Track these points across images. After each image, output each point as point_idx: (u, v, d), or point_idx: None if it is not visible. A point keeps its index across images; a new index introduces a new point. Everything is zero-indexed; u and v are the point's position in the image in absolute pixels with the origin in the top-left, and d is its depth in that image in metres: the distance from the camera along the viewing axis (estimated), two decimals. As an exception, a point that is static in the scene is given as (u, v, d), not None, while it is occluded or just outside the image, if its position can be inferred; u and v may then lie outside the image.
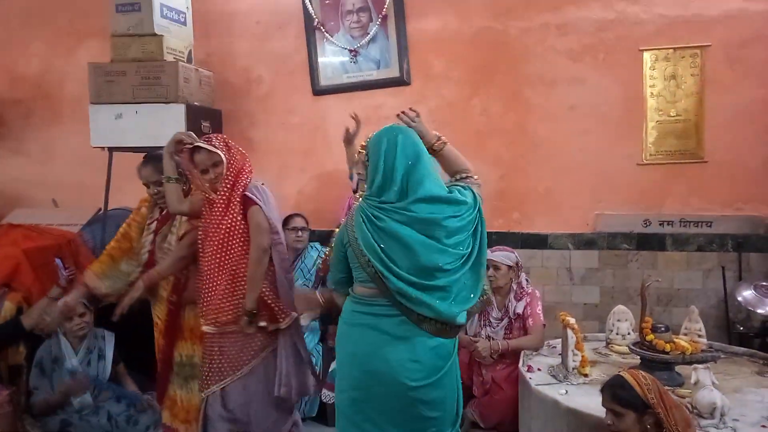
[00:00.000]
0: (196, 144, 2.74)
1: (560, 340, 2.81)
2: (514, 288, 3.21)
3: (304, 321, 3.71)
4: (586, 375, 2.62)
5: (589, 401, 2.28)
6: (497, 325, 3.20)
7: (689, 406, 2.21)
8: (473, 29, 4.07)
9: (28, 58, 4.78)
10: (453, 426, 2.20)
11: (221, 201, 2.72)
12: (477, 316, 3.16)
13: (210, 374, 2.72)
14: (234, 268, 2.69)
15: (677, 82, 3.82)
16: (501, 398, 3.02)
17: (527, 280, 3.31)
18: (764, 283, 3.47)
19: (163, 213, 2.99)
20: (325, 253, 2.91)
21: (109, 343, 3.32)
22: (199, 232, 2.78)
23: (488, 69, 4.05)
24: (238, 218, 2.71)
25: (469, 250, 2.14)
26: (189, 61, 3.99)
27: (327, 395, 3.25)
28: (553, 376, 2.66)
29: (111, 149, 3.86)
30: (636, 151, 3.87)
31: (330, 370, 3.48)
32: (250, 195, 2.73)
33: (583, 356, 2.66)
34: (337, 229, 2.83)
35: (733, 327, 3.58)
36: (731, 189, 3.76)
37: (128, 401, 3.21)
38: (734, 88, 3.72)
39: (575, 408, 2.30)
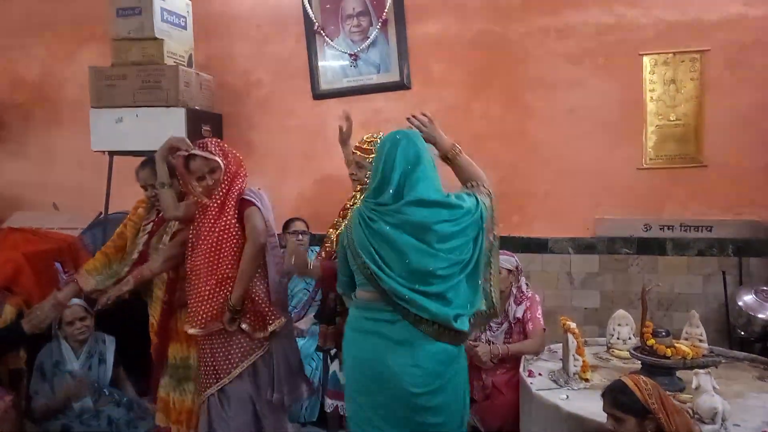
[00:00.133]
0: (193, 152, 2.71)
1: (561, 344, 2.81)
2: (514, 292, 3.21)
3: (304, 325, 3.71)
4: (587, 380, 2.62)
5: (590, 406, 2.27)
6: (497, 330, 3.19)
7: (690, 411, 2.21)
8: (473, 33, 4.08)
9: (28, 61, 4.79)
10: (459, 430, 2.19)
11: (215, 205, 2.70)
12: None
13: (206, 376, 2.72)
14: (223, 270, 2.67)
15: (677, 86, 3.82)
16: (501, 403, 3.01)
17: (527, 285, 3.30)
18: (765, 288, 3.45)
19: (160, 215, 2.99)
20: (315, 255, 2.89)
21: (109, 348, 3.32)
22: (190, 235, 2.76)
23: (488, 73, 4.06)
24: (233, 221, 2.70)
25: (468, 256, 2.11)
26: (189, 64, 4.00)
27: (329, 404, 3.17)
28: (554, 381, 2.66)
29: (111, 153, 3.87)
30: (636, 156, 3.87)
31: (329, 375, 3.44)
32: (247, 197, 2.73)
33: (584, 361, 2.66)
34: (330, 230, 2.84)
35: (734, 332, 3.57)
36: (731, 193, 3.76)
37: (128, 406, 3.21)
38: (734, 92, 3.73)
39: (576, 413, 2.30)
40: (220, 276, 2.66)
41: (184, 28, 4.01)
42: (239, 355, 2.71)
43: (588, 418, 2.23)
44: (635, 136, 3.87)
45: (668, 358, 2.49)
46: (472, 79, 4.09)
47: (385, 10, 4.11)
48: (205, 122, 3.98)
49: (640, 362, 2.60)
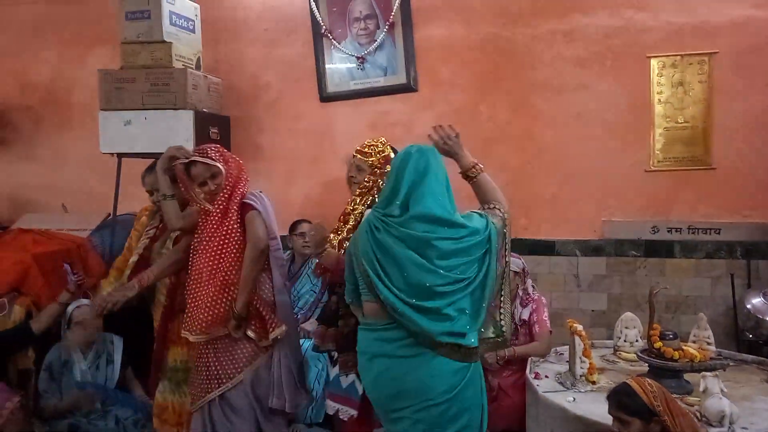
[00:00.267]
0: (193, 158, 2.71)
1: (567, 347, 2.80)
2: (520, 294, 3.20)
3: (310, 326, 3.71)
4: (593, 382, 2.61)
5: (597, 408, 2.26)
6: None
7: (698, 414, 2.20)
8: (480, 36, 4.08)
9: (38, 65, 4.83)
10: None
11: (218, 211, 2.69)
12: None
13: (208, 381, 2.69)
14: (225, 275, 2.66)
15: (685, 88, 3.81)
16: (508, 405, 3.00)
17: (533, 287, 3.30)
18: (773, 291, 3.45)
19: (163, 222, 3.02)
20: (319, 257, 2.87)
21: (117, 348, 3.34)
22: (194, 242, 2.75)
23: (495, 76, 4.06)
24: (235, 227, 2.69)
25: (472, 276, 2.08)
26: (198, 67, 4.02)
27: (331, 407, 3.09)
28: (561, 383, 2.65)
29: (120, 155, 3.90)
30: (643, 158, 3.86)
31: (331, 379, 3.38)
32: (248, 201, 2.73)
33: (590, 363, 2.65)
34: (332, 235, 2.84)
35: (742, 335, 3.55)
36: (739, 196, 3.74)
37: (135, 407, 3.22)
38: (742, 94, 3.71)
39: (583, 415, 2.29)
40: (222, 281, 2.65)
41: (193, 31, 4.04)
42: (243, 360, 2.70)
43: (594, 421, 2.22)
44: (643, 138, 3.86)
45: (676, 360, 2.48)
46: (480, 82, 4.09)
47: (392, 13, 4.12)
48: (213, 125, 4.00)
49: (647, 365, 2.59)
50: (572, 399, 2.46)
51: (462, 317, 2.06)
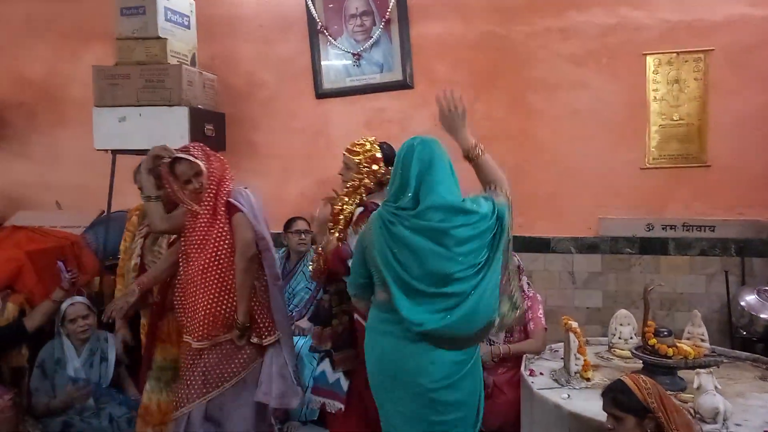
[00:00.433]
0: (177, 155, 2.69)
1: (562, 344, 2.80)
2: (516, 292, 3.20)
3: (305, 324, 3.71)
4: (588, 379, 2.61)
5: (591, 405, 2.27)
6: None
7: (692, 410, 2.21)
8: (476, 33, 4.08)
9: (32, 61, 4.80)
10: (474, 427, 2.24)
11: (206, 212, 2.67)
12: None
13: (194, 387, 2.66)
14: (222, 278, 2.64)
15: (680, 86, 3.82)
16: (502, 402, 3.01)
17: (528, 284, 3.30)
18: (767, 288, 3.46)
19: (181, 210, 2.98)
20: (314, 256, 2.87)
21: (111, 346, 3.32)
22: (182, 245, 2.72)
23: (491, 73, 4.06)
24: (226, 228, 2.67)
25: (483, 259, 2.13)
26: (193, 64, 4.01)
27: (315, 401, 3.03)
28: (555, 380, 2.65)
29: (114, 152, 3.88)
30: (639, 156, 3.87)
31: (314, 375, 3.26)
32: (233, 201, 2.69)
33: (585, 360, 2.65)
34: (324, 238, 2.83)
35: (736, 331, 3.56)
36: (734, 193, 3.75)
37: (129, 405, 3.21)
38: (737, 92, 3.72)
39: (577, 412, 2.29)
40: (222, 284, 2.64)
41: (188, 27, 4.02)
42: (241, 364, 2.70)
43: (589, 418, 2.23)
44: (638, 136, 3.86)
45: (670, 357, 2.48)
46: (476, 79, 4.09)
47: (389, 10, 4.11)
48: (208, 121, 3.99)
49: (641, 362, 2.59)
50: (567, 396, 2.46)
51: (472, 303, 2.09)
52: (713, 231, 3.76)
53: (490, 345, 3.11)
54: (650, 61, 3.84)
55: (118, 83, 3.77)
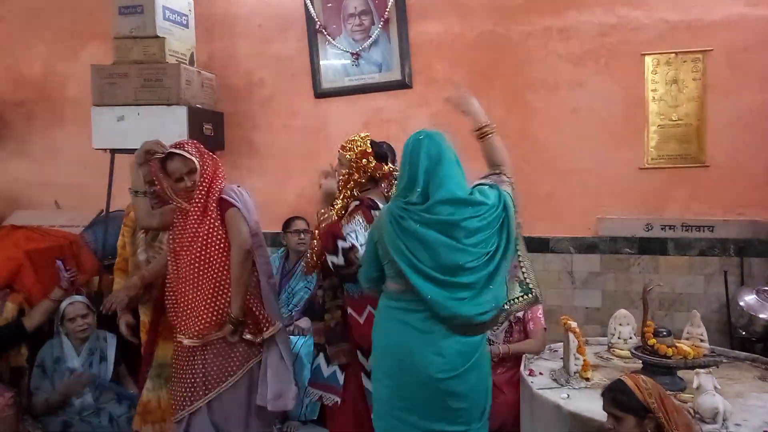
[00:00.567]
0: (171, 151, 2.65)
1: (562, 344, 2.81)
2: (516, 291, 3.20)
3: (305, 324, 3.71)
4: (587, 379, 2.62)
5: (591, 405, 2.27)
6: (497, 329, 3.19)
7: (691, 410, 2.21)
8: (475, 33, 4.08)
9: (30, 60, 4.80)
10: (481, 418, 2.27)
11: (196, 209, 2.64)
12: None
13: (191, 389, 2.63)
14: (215, 276, 2.61)
15: (679, 86, 3.82)
16: (502, 402, 3.01)
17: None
18: (766, 288, 3.46)
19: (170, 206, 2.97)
20: (309, 253, 2.86)
21: (110, 345, 3.33)
22: (170, 242, 2.69)
23: (490, 73, 4.06)
24: (217, 224, 2.64)
25: (493, 248, 2.18)
26: (191, 63, 4.01)
27: (314, 393, 2.98)
28: (555, 380, 2.66)
29: (113, 151, 3.88)
30: (638, 156, 3.87)
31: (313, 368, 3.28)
32: (226, 197, 2.67)
33: (584, 360, 2.65)
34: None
35: (735, 332, 3.57)
36: (733, 193, 3.75)
37: (129, 402, 3.21)
38: (736, 92, 3.72)
39: (577, 412, 2.30)
40: (214, 282, 2.61)
41: (186, 26, 4.02)
42: (237, 363, 2.67)
43: (589, 418, 2.23)
44: (637, 136, 3.86)
45: (669, 357, 2.48)
46: (474, 79, 4.08)
47: (387, 9, 4.11)
48: (206, 120, 3.98)
49: (641, 362, 2.60)
50: (566, 396, 2.47)
51: (485, 295, 2.14)
52: (712, 231, 3.77)
53: (490, 345, 3.10)
54: (649, 61, 3.84)
55: (117, 82, 3.77)
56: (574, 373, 2.64)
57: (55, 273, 3.32)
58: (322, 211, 2.66)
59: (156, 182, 2.71)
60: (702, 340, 2.77)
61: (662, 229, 3.83)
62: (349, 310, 2.70)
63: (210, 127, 4.01)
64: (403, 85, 4.17)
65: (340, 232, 2.57)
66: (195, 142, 2.80)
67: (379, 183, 2.80)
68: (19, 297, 3.41)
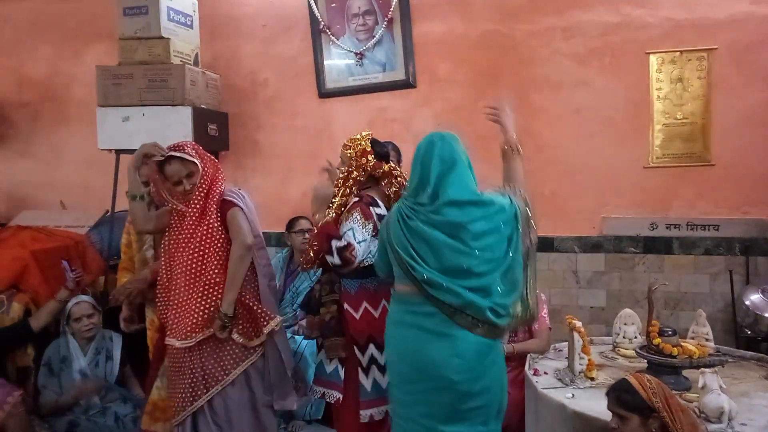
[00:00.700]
0: (170, 154, 2.59)
1: (566, 343, 2.80)
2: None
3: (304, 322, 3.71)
4: (592, 378, 2.61)
5: (596, 405, 2.26)
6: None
7: (696, 410, 2.20)
8: (479, 32, 4.07)
9: (35, 61, 4.81)
10: (498, 415, 2.28)
11: (194, 212, 2.60)
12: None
13: (194, 388, 2.60)
14: (209, 277, 2.58)
15: (684, 85, 3.81)
16: (507, 401, 3.00)
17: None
18: (772, 287, 3.45)
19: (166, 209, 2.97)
20: (305, 248, 2.87)
21: (116, 345, 3.34)
22: (164, 244, 2.66)
23: (494, 72, 4.05)
24: (216, 225, 2.61)
25: (502, 254, 2.18)
26: (196, 63, 4.02)
27: (316, 391, 2.94)
28: (560, 380, 2.65)
29: (118, 151, 3.89)
30: (642, 154, 3.86)
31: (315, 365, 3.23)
32: (228, 197, 2.65)
33: (589, 360, 2.65)
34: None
35: (741, 331, 3.56)
36: (738, 192, 3.74)
37: (135, 403, 3.22)
38: (741, 91, 3.71)
39: (582, 411, 2.29)
40: (206, 283, 2.57)
41: (191, 27, 4.03)
42: (231, 362, 2.63)
43: (593, 417, 2.22)
44: (642, 134, 3.85)
45: (674, 357, 2.47)
46: (478, 78, 4.08)
47: (391, 9, 4.11)
48: (211, 121, 3.99)
49: (646, 361, 2.59)
50: (571, 395, 2.46)
51: (497, 293, 2.15)
52: (717, 230, 3.75)
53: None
54: (653, 59, 3.83)
55: (122, 83, 3.78)
56: (579, 372, 2.63)
57: (61, 273, 3.33)
58: (317, 216, 2.67)
59: (152, 185, 2.68)
60: (707, 340, 2.76)
61: (667, 228, 3.82)
62: (345, 306, 2.71)
63: (214, 128, 4.02)
64: (406, 84, 4.17)
65: (334, 231, 2.58)
66: (194, 143, 2.75)
67: (380, 181, 2.82)
68: (26, 297, 3.43)
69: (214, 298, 2.59)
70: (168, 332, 2.65)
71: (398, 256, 2.20)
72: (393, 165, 2.85)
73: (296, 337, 3.55)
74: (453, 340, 2.15)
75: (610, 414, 2.00)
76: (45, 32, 4.77)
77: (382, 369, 2.69)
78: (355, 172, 2.75)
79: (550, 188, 3.96)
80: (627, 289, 3.88)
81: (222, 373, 2.63)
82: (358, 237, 2.58)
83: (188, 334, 2.57)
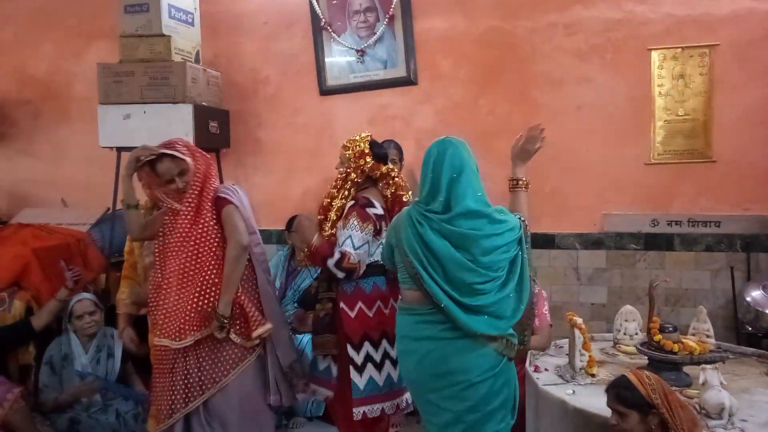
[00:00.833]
0: (161, 151, 2.56)
1: (567, 340, 2.80)
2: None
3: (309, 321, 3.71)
4: (593, 375, 2.61)
5: (597, 401, 2.26)
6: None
7: (697, 406, 2.20)
8: (480, 29, 4.07)
9: (37, 59, 4.82)
10: (512, 414, 2.30)
11: (188, 211, 2.57)
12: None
13: (187, 390, 2.57)
14: (203, 278, 2.55)
15: (685, 81, 3.80)
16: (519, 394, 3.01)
17: (534, 280, 3.28)
18: (773, 284, 3.45)
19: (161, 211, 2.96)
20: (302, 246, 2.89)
21: (118, 342, 3.34)
22: (160, 242, 2.62)
23: (495, 69, 4.05)
24: (211, 224, 2.59)
25: (503, 274, 2.18)
26: (197, 61, 4.02)
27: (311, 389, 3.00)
28: (560, 377, 2.65)
29: (119, 149, 3.89)
30: (644, 151, 3.86)
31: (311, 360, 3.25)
32: (223, 195, 2.62)
33: (590, 356, 2.65)
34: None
35: (742, 327, 3.55)
36: (740, 189, 3.74)
37: (136, 400, 3.23)
38: (743, 87, 3.70)
39: (582, 408, 2.29)
40: (202, 283, 2.55)
41: (192, 24, 4.03)
42: (230, 363, 2.61)
43: (594, 413, 2.22)
44: (643, 131, 3.85)
45: (675, 353, 2.47)
46: (480, 75, 4.08)
47: (392, 6, 4.10)
48: (212, 118, 4.00)
49: (647, 358, 2.59)
50: (572, 392, 2.46)
51: (498, 317, 2.15)
52: (719, 226, 3.75)
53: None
54: (655, 56, 3.82)
55: (123, 81, 3.78)
56: (580, 369, 2.63)
57: (62, 271, 3.33)
58: (314, 240, 2.69)
59: (144, 186, 2.66)
60: (708, 336, 2.75)
61: (668, 224, 3.82)
62: (341, 304, 2.72)
63: (215, 125, 4.02)
64: (408, 81, 4.17)
65: (327, 251, 2.62)
66: (186, 140, 2.73)
67: (378, 182, 2.82)
68: (27, 295, 3.44)
69: (209, 298, 2.56)
70: (158, 332, 2.60)
71: (407, 261, 2.20)
72: (390, 167, 2.86)
73: (297, 335, 3.56)
74: (466, 345, 2.16)
75: (610, 411, 2.00)
76: (46, 30, 4.77)
77: (379, 367, 2.70)
78: (353, 174, 2.76)
79: (551, 185, 3.96)
80: (628, 285, 3.88)
81: (220, 374, 2.60)
82: (356, 243, 2.61)
83: (181, 334, 2.54)
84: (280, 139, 4.43)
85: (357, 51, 4.23)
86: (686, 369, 2.53)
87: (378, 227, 2.69)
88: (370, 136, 2.84)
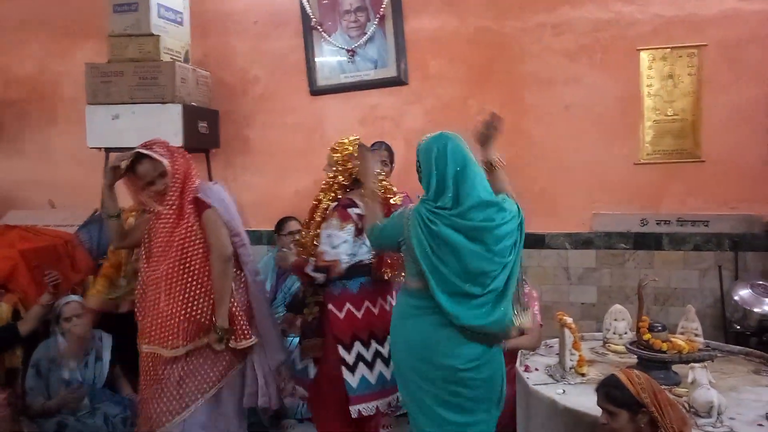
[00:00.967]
0: (138, 151, 2.53)
1: (557, 339, 2.81)
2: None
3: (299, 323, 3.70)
4: (583, 374, 2.62)
5: (587, 401, 2.27)
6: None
7: (686, 404, 2.21)
8: (470, 29, 4.07)
9: (23, 59, 4.78)
10: (498, 404, 2.35)
11: (170, 212, 2.54)
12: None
13: (172, 402, 2.54)
14: (192, 282, 2.53)
15: (674, 81, 3.82)
16: (506, 390, 3.01)
17: (524, 280, 3.29)
18: (761, 282, 3.47)
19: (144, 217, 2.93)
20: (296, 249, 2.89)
21: (106, 346, 3.31)
22: (145, 246, 2.60)
23: (485, 69, 4.06)
24: (194, 227, 2.55)
25: (508, 259, 2.23)
26: (186, 61, 3.99)
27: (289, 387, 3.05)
28: (551, 376, 2.66)
29: (108, 150, 3.86)
30: (633, 151, 3.88)
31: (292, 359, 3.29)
32: (201, 197, 2.58)
33: (580, 356, 2.66)
34: (302, 231, 2.86)
35: (730, 326, 3.58)
36: (728, 188, 3.76)
37: (124, 404, 3.20)
38: (731, 87, 3.73)
39: (572, 407, 2.30)
40: (191, 288, 2.52)
41: (181, 24, 4.00)
42: (220, 372, 2.61)
43: (584, 413, 2.23)
44: (632, 131, 3.87)
45: (664, 352, 2.49)
46: (469, 75, 4.09)
47: (383, 6, 4.10)
48: (201, 118, 3.97)
49: (636, 357, 2.60)
50: (562, 391, 2.47)
51: (497, 306, 2.21)
52: (707, 226, 3.77)
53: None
54: (644, 56, 3.84)
55: (111, 81, 3.76)
56: (570, 368, 2.64)
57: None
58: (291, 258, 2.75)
59: (128, 190, 2.63)
60: (697, 335, 2.77)
61: (657, 224, 3.84)
62: (330, 306, 2.72)
63: (205, 125, 4.00)
64: (398, 81, 4.17)
65: (303, 263, 2.66)
66: (165, 141, 2.68)
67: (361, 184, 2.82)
68: (14, 297, 3.39)
69: (201, 307, 2.54)
70: (146, 339, 2.58)
71: (414, 257, 2.24)
72: (378, 170, 2.85)
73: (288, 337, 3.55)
74: (457, 332, 2.22)
75: (599, 410, 2.01)
76: (34, 30, 4.73)
77: (370, 365, 2.71)
78: (340, 176, 2.76)
79: (540, 185, 3.97)
80: (617, 285, 3.90)
81: (208, 384, 2.59)
82: (334, 242, 2.61)
83: (174, 342, 2.52)
84: (270, 140, 4.42)
85: (347, 51, 4.22)
86: (675, 368, 2.54)
87: (360, 227, 2.68)
88: (359, 139, 2.84)
